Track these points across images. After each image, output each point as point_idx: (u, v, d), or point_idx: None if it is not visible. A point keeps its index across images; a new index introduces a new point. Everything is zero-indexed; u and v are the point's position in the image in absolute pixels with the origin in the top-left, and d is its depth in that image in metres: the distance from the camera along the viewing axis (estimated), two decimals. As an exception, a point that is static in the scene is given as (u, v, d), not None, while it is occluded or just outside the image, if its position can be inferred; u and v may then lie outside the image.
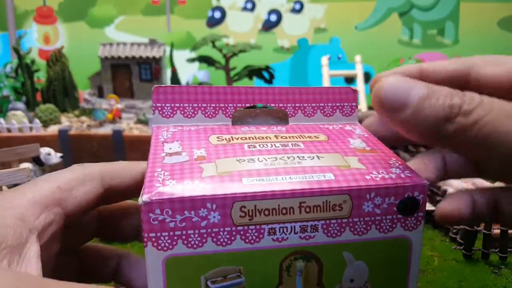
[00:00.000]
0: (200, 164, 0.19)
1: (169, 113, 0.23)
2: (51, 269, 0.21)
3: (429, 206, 0.53)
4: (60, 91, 1.32)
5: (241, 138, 0.21)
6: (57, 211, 0.19)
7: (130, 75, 1.40)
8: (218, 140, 0.21)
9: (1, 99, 1.20)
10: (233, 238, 0.18)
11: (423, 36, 1.67)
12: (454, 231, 0.47)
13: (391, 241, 0.19)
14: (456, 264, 0.42)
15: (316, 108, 0.25)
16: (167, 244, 0.17)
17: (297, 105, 0.24)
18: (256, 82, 1.61)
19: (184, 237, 0.17)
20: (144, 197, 0.17)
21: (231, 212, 0.17)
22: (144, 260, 0.19)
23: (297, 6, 1.68)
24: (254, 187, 0.17)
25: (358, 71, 1.28)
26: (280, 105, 0.24)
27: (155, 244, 0.17)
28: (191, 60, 1.37)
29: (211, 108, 0.23)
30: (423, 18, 1.65)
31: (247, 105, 0.23)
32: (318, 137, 0.22)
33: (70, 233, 0.23)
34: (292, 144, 0.21)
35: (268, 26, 1.70)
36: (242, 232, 0.18)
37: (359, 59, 1.28)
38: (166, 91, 0.22)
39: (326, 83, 1.25)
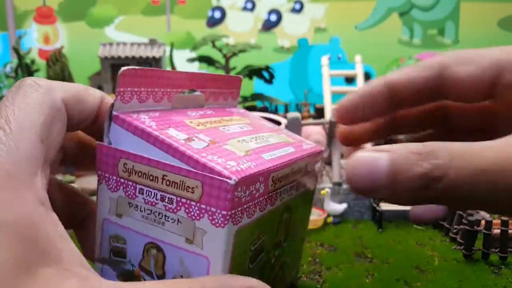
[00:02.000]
0: (223, 146, 0.21)
1: (128, 99, 0.22)
2: None
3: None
4: (60, 91, 1.32)
5: (209, 123, 0.24)
6: (46, 168, 0.17)
7: (130, 75, 1.40)
8: (197, 125, 0.23)
9: (1, 99, 1.20)
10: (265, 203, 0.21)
11: (423, 36, 1.67)
12: (454, 231, 0.47)
13: None
14: (457, 264, 0.42)
15: (219, 94, 0.27)
16: (239, 218, 0.19)
17: (208, 90, 0.27)
18: (256, 82, 1.61)
19: (247, 209, 0.19)
20: (233, 178, 0.18)
21: (268, 182, 0.21)
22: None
23: (297, 6, 1.68)
24: (274, 161, 0.21)
25: (358, 71, 1.28)
26: (200, 90, 0.26)
27: (234, 220, 0.18)
28: (191, 60, 1.37)
29: (160, 93, 0.24)
30: (423, 18, 1.65)
31: (184, 90, 0.25)
32: (244, 120, 0.26)
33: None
34: (244, 125, 0.25)
35: (268, 26, 1.70)
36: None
37: (359, 59, 1.28)
38: (130, 73, 0.21)
39: (326, 83, 1.25)
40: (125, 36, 1.67)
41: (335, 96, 1.23)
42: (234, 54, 1.32)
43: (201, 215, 0.19)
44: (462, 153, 0.16)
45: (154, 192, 0.19)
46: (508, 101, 0.20)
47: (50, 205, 0.16)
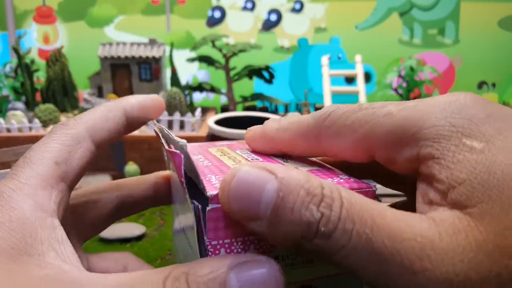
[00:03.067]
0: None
1: None
2: None
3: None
4: (59, 91, 1.32)
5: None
6: (62, 187, 0.19)
7: (129, 75, 1.40)
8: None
9: (0, 99, 1.20)
10: None
11: (424, 35, 1.66)
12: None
13: None
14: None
15: None
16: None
17: None
18: (256, 82, 1.61)
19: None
20: (373, 186, 0.18)
21: None
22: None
23: (297, 6, 1.68)
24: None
25: (359, 71, 1.27)
26: None
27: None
28: (191, 60, 1.37)
29: None
30: (424, 18, 1.65)
31: None
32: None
33: (90, 219, 0.24)
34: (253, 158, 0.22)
35: (268, 25, 1.70)
36: None
37: (359, 59, 1.28)
38: None
39: (326, 83, 1.25)
40: (124, 35, 1.67)
41: (335, 96, 1.23)
42: (234, 54, 1.32)
43: None
44: (364, 217, 0.14)
45: None
46: (387, 174, 0.19)
47: (54, 212, 0.17)
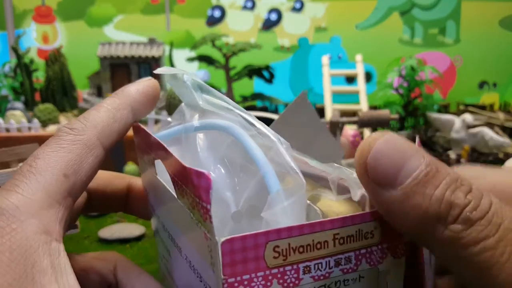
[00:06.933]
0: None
1: None
2: None
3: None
4: (58, 91, 1.32)
5: None
6: (68, 203, 0.17)
7: (129, 74, 1.39)
8: None
9: (0, 99, 1.19)
10: None
11: (424, 35, 1.66)
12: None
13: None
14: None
15: None
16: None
17: None
18: (256, 82, 1.60)
19: None
20: None
21: None
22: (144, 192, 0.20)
23: (298, 5, 1.67)
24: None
25: (359, 70, 1.27)
26: None
27: None
28: (191, 60, 1.36)
29: None
30: (424, 17, 1.64)
31: None
32: None
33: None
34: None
35: (268, 25, 1.69)
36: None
37: (360, 58, 1.27)
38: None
39: (326, 82, 1.25)
40: (124, 35, 1.67)
41: (336, 95, 1.23)
42: (234, 53, 1.32)
43: (384, 255, 0.16)
44: (507, 217, 0.13)
45: (326, 261, 0.16)
46: None
47: (59, 235, 0.16)
